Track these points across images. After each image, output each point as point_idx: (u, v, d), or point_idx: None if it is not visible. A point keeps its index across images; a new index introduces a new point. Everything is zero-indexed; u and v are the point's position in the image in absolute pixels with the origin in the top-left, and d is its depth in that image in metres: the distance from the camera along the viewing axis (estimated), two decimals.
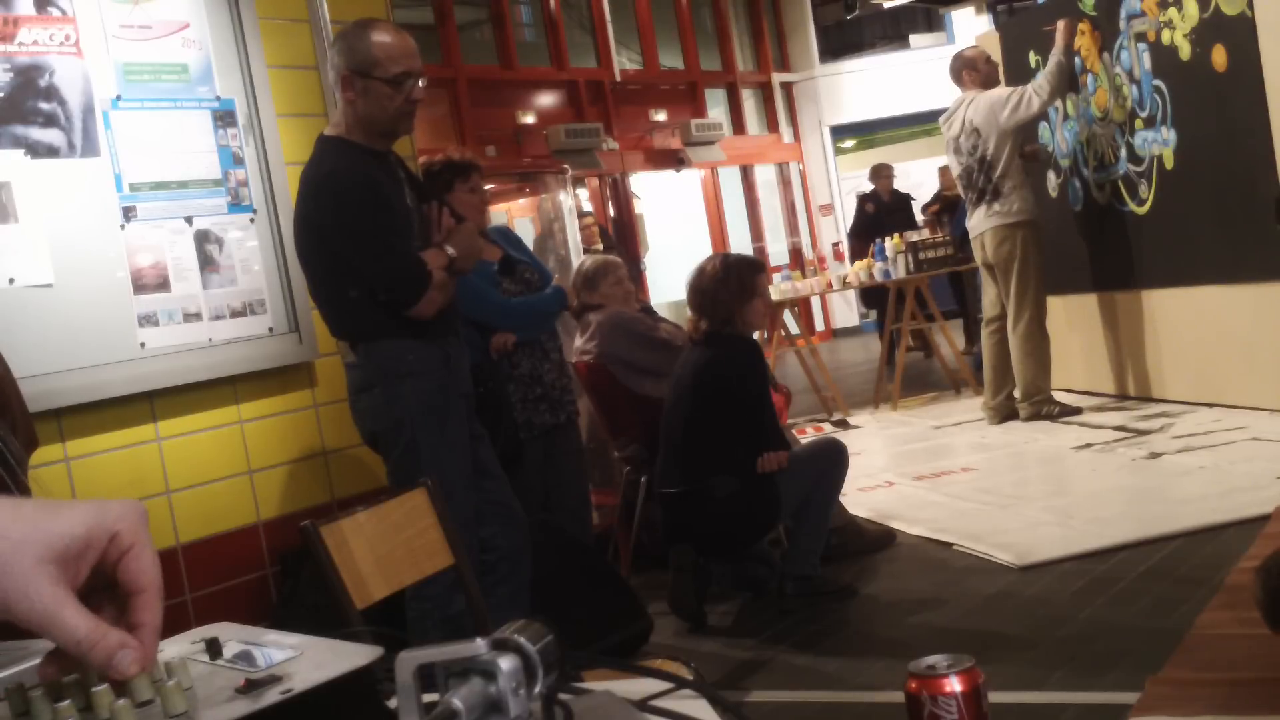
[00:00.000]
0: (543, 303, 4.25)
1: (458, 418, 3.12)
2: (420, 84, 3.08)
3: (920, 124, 14.26)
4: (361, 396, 3.14)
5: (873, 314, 11.77)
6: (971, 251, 6.86)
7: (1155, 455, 5.31)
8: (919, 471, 5.82)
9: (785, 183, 15.53)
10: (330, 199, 3.03)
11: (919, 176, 13.05)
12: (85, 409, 3.37)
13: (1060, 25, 6.36)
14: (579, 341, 4.85)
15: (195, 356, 3.63)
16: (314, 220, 3.06)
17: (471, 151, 4.40)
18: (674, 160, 13.45)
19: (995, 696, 1.08)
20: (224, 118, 3.79)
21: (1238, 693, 1.25)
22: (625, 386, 4.70)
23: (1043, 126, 6.99)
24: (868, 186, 11.23)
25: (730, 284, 4.11)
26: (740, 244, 14.65)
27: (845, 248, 13.09)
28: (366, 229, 3.00)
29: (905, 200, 10.92)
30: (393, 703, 0.96)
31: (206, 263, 3.69)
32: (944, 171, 10.08)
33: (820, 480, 4.04)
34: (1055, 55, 6.30)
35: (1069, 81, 6.47)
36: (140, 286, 3.53)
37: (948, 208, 9.52)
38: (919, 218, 10.61)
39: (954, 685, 1.06)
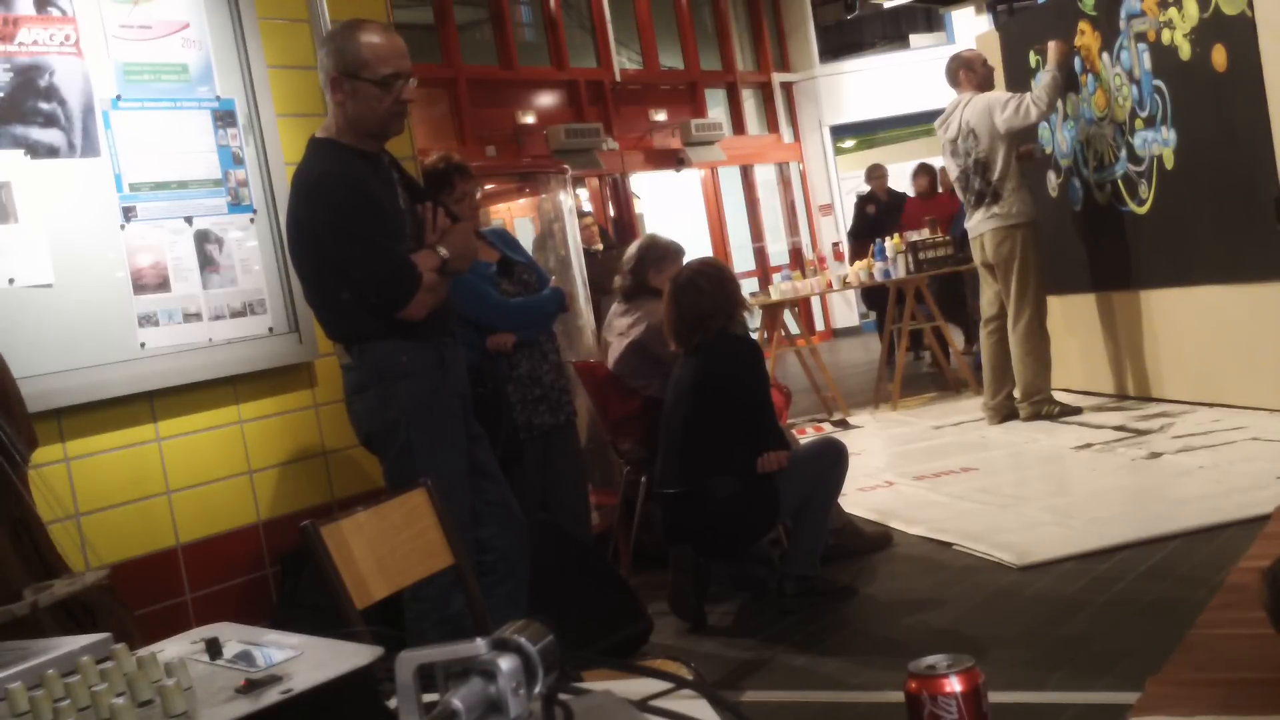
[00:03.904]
0: (542, 303, 4.25)
1: (453, 418, 3.11)
2: (411, 84, 3.06)
3: (920, 124, 14.23)
4: (357, 398, 3.14)
5: (873, 315, 11.77)
6: (971, 251, 6.86)
7: (1155, 455, 5.31)
8: (919, 471, 5.82)
9: (785, 183, 15.54)
10: (320, 202, 3.02)
11: None
12: (85, 409, 3.37)
13: (1051, 46, 6.41)
14: (622, 319, 4.77)
15: (195, 356, 3.63)
16: (305, 223, 3.05)
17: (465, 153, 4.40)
18: (674, 160, 13.45)
19: (995, 696, 1.08)
20: (224, 118, 3.79)
21: (1238, 693, 1.25)
22: (626, 385, 4.70)
23: (1043, 127, 6.99)
24: (866, 188, 11.22)
25: (707, 292, 4.09)
26: (740, 244, 14.67)
27: (845, 248, 13.08)
28: (356, 231, 2.99)
29: (903, 199, 10.91)
30: (393, 703, 0.96)
31: (206, 263, 3.69)
32: (942, 173, 10.10)
33: (820, 480, 4.04)
34: (1050, 71, 6.34)
35: (1066, 89, 6.51)
36: (140, 286, 3.53)
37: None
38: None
39: (954, 685, 1.06)
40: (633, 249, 4.89)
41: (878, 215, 10.52)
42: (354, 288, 3.03)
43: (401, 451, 3.06)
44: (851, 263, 9.64)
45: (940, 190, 10.26)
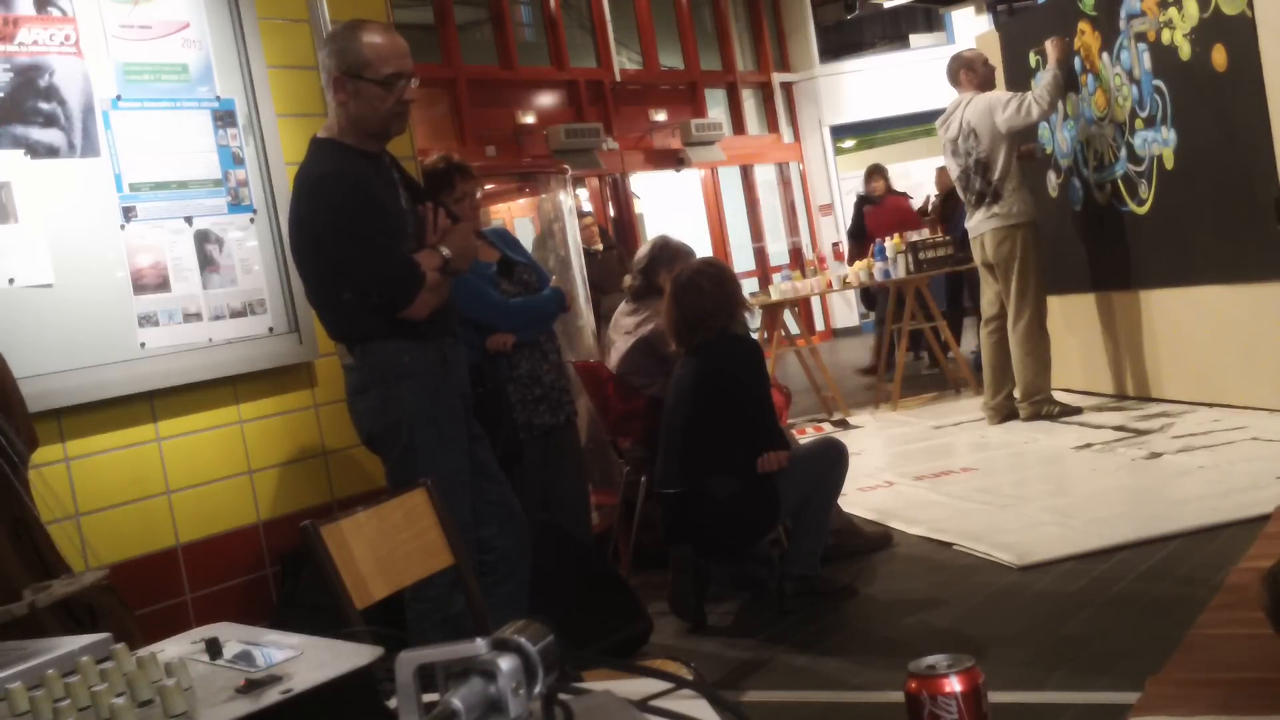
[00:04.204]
0: (542, 303, 4.25)
1: (455, 418, 3.11)
2: (413, 84, 3.06)
3: (920, 124, 14.25)
4: (359, 398, 3.14)
5: (873, 315, 11.74)
6: (971, 251, 6.87)
7: (1155, 455, 5.30)
8: (919, 471, 5.82)
9: (785, 183, 15.53)
10: (322, 202, 3.02)
11: (919, 176, 13.05)
12: (85, 409, 3.37)
13: (1050, 44, 6.41)
14: (629, 318, 4.80)
15: (195, 356, 3.63)
16: (307, 223, 3.06)
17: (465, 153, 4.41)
18: (674, 160, 13.45)
19: (995, 696, 1.08)
20: (224, 118, 3.79)
21: (1238, 693, 1.25)
22: (629, 384, 4.70)
23: (1043, 127, 6.99)
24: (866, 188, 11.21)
25: (708, 291, 4.09)
26: (740, 244, 14.66)
27: (845, 248, 13.08)
28: (358, 231, 2.99)
29: (902, 199, 10.88)
30: (393, 703, 0.96)
31: (206, 263, 3.69)
32: (941, 172, 10.11)
33: (820, 480, 4.04)
34: (1051, 69, 6.34)
35: (1067, 88, 6.51)
36: (140, 286, 3.53)
37: (952, 207, 9.55)
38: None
39: (954, 685, 1.06)
40: (644, 249, 4.92)
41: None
42: (356, 288, 3.03)
43: (404, 452, 3.06)
44: (850, 263, 9.63)
45: (896, 192, 10.28)
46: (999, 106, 6.31)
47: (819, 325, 14.87)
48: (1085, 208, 6.86)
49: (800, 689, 3.37)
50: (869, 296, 11.08)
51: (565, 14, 12.53)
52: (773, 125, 15.33)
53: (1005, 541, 4.32)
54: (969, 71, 6.57)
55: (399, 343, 3.05)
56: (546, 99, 12.33)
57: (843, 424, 7.59)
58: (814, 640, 3.73)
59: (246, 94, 3.84)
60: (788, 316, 8.47)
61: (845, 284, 8.85)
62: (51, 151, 3.39)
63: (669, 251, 4.82)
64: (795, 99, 15.60)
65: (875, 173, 10.52)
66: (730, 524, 4.00)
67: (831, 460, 4.10)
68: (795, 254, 14.92)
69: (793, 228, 15.52)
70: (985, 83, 6.57)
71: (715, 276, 4.16)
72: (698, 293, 4.10)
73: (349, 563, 2.07)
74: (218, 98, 3.78)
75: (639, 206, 13.54)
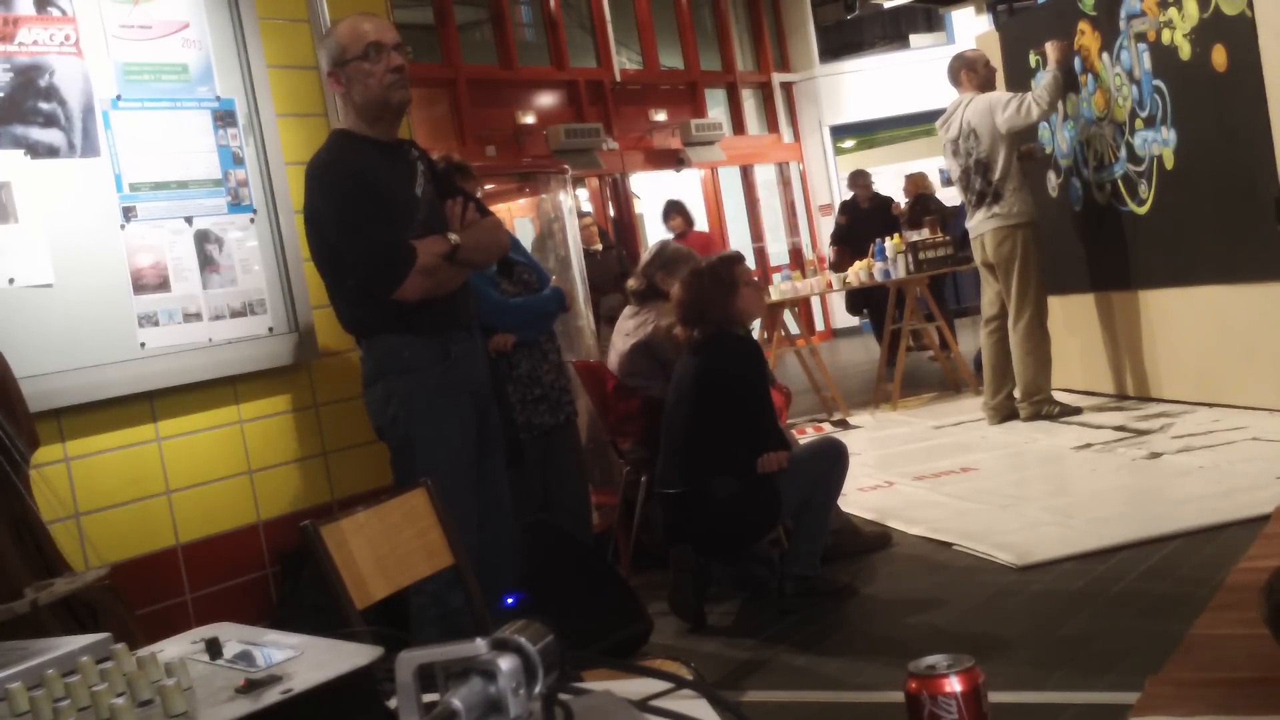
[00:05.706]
0: (542, 303, 4.25)
1: (458, 415, 3.09)
2: (398, 53, 3.03)
3: (920, 124, 14.26)
4: (368, 391, 3.14)
5: (864, 315, 11.65)
6: (971, 251, 6.87)
7: (1155, 455, 5.30)
8: (919, 471, 5.81)
9: (785, 183, 15.53)
10: (319, 190, 3.05)
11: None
12: (85, 409, 3.37)
13: (1050, 46, 6.41)
14: (630, 320, 4.83)
15: (195, 356, 3.63)
16: (310, 213, 3.09)
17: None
18: (674, 160, 13.45)
19: (995, 696, 1.08)
20: (224, 118, 3.79)
21: (1238, 693, 1.25)
22: (627, 386, 4.70)
23: (1042, 127, 6.99)
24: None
25: (709, 286, 4.12)
26: (740, 244, 14.65)
27: (829, 254, 13.03)
28: (349, 217, 3.00)
29: (885, 203, 10.83)
30: (393, 703, 0.96)
31: (206, 263, 3.69)
32: (909, 179, 10.17)
33: (821, 481, 4.04)
34: (1051, 70, 6.34)
35: (1067, 88, 6.51)
36: (140, 286, 3.53)
37: (923, 211, 9.57)
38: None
39: (954, 685, 1.06)
40: (647, 252, 5.02)
41: (850, 224, 10.50)
42: (353, 274, 3.04)
43: (401, 446, 3.07)
44: (832, 269, 9.50)
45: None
46: (999, 107, 6.31)
47: (819, 325, 14.87)
48: (1085, 208, 6.85)
49: (800, 689, 3.36)
50: (855, 302, 10.92)
51: (565, 14, 12.53)
52: (773, 125, 15.33)
53: (1005, 541, 4.31)
54: (970, 72, 6.58)
55: (400, 337, 3.04)
56: (546, 99, 12.33)
57: (843, 424, 7.59)
58: (814, 640, 3.73)
59: (246, 94, 3.84)
60: (788, 316, 8.46)
61: (845, 284, 8.85)
62: (51, 151, 3.39)
63: (664, 256, 4.91)
64: (795, 99, 15.60)
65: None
66: (730, 524, 4.01)
67: (831, 460, 4.10)
68: (795, 254, 14.92)
69: (793, 228, 15.52)
70: (986, 83, 6.58)
71: (719, 275, 4.18)
72: (683, 305, 4.16)
73: (349, 563, 2.07)
74: (218, 98, 3.78)
75: (639, 206, 13.54)
